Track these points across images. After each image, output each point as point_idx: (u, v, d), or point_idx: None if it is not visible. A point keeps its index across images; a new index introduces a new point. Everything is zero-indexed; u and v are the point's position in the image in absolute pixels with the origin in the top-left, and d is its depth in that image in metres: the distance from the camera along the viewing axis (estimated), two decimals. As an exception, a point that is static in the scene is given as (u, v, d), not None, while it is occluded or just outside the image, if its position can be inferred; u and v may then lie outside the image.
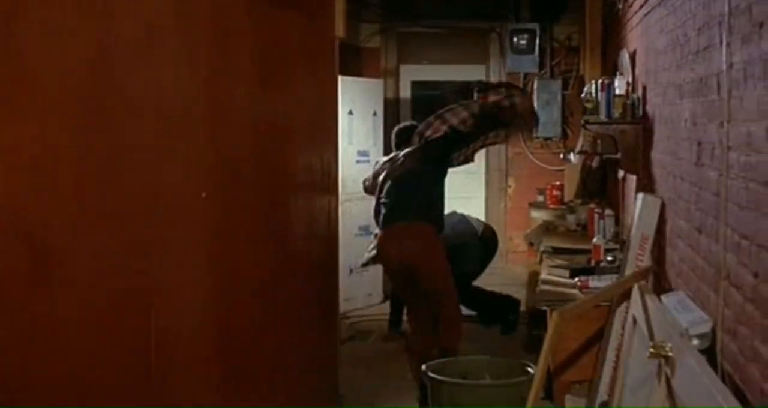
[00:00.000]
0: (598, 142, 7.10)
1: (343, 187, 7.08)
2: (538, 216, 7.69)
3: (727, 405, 2.35)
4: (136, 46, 2.71)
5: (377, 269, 7.84)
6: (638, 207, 4.28)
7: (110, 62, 2.54)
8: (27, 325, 2.17)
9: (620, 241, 5.47)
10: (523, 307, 7.07)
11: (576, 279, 4.77)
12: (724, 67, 2.96)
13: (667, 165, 4.20)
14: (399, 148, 5.94)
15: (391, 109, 9.12)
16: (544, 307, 4.64)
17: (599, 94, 5.42)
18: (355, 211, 7.68)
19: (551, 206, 7.87)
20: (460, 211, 7.09)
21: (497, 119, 5.71)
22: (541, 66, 9.01)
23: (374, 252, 5.80)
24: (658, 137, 4.53)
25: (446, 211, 5.84)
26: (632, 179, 5.66)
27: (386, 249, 5.49)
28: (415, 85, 9.64)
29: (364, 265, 6.30)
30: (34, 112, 2.19)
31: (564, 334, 4.07)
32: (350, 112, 7.76)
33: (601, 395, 3.85)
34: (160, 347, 2.79)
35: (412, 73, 9.61)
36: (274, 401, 3.92)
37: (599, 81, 5.52)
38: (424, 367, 4.86)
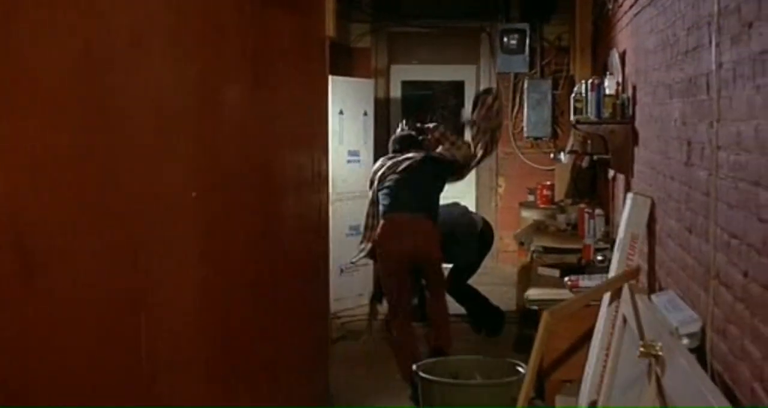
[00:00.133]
0: (588, 141, 7.12)
1: (334, 186, 7.08)
2: (529, 216, 7.70)
3: (717, 404, 2.36)
4: (127, 46, 2.70)
5: (368, 269, 7.85)
6: (628, 206, 4.29)
7: (99, 62, 2.53)
8: (17, 325, 2.16)
9: (610, 240, 5.48)
10: (513, 307, 7.09)
11: (566, 278, 4.77)
12: (714, 66, 2.97)
13: (657, 165, 4.21)
14: (398, 153, 6.16)
15: (382, 109, 9.12)
16: (535, 307, 4.65)
17: (589, 94, 5.43)
18: (346, 210, 7.68)
19: (541, 206, 7.88)
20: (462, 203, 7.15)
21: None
22: (532, 66, 9.02)
23: (368, 246, 5.91)
24: (648, 137, 4.54)
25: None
26: (622, 179, 5.68)
27: (389, 239, 5.67)
28: (406, 84, 9.64)
29: (356, 260, 6.37)
30: (25, 112, 2.19)
31: (554, 334, 4.08)
32: (341, 112, 7.76)
33: (591, 394, 3.86)
34: (151, 347, 2.79)
35: (402, 73, 9.61)
36: (265, 401, 3.92)
37: (589, 81, 5.53)
38: (415, 366, 4.86)
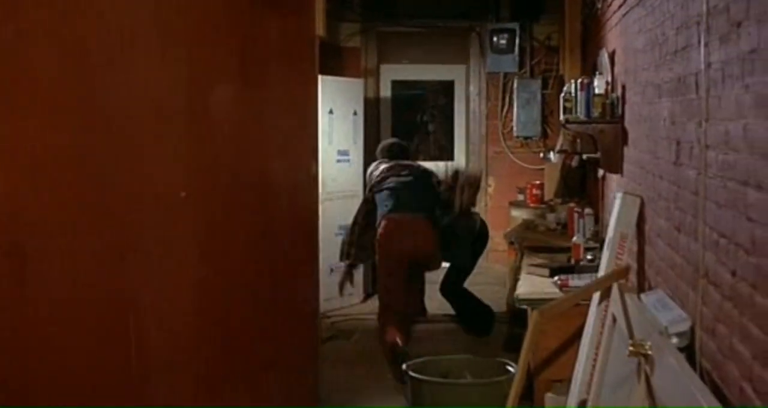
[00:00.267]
0: (578, 141, 7.12)
1: (323, 186, 7.07)
2: (519, 215, 7.71)
3: (706, 403, 2.36)
4: (115, 47, 2.69)
5: (358, 269, 7.84)
6: (617, 206, 4.30)
7: (92, 63, 2.53)
8: (6, 326, 2.15)
9: (600, 239, 5.48)
10: (503, 307, 7.09)
11: (556, 277, 4.78)
12: (703, 66, 2.97)
13: (646, 164, 4.21)
14: (390, 160, 6.43)
15: (372, 109, 9.11)
16: (524, 306, 4.65)
17: (579, 93, 5.44)
18: (335, 210, 7.67)
19: (531, 205, 7.88)
20: None
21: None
22: (521, 65, 9.03)
23: (352, 251, 6.21)
24: (637, 136, 4.55)
25: None
26: (612, 178, 5.69)
27: (390, 238, 5.91)
28: (396, 84, 9.64)
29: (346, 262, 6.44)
30: (21, 113, 2.18)
31: (544, 333, 4.09)
32: (330, 112, 7.75)
33: (580, 394, 3.87)
34: (140, 347, 2.78)
35: (392, 73, 9.61)
36: (255, 401, 3.91)
37: (579, 80, 5.54)
38: (405, 366, 4.86)
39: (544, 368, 4.35)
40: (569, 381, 4.06)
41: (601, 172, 6.32)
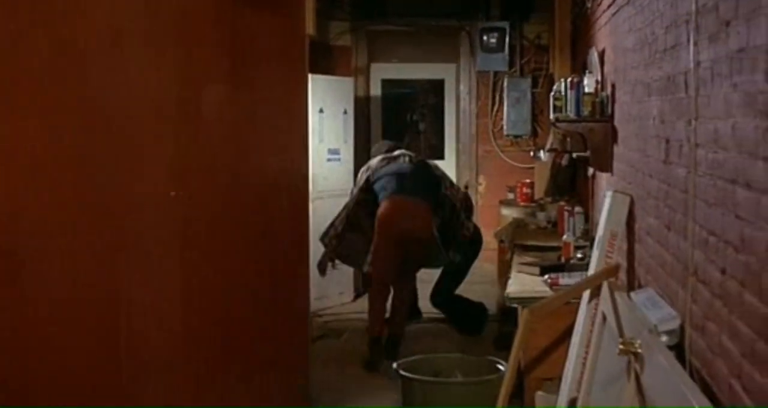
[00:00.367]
0: (568, 140, 7.13)
1: (314, 185, 7.07)
2: (509, 213, 7.71)
3: (696, 400, 2.37)
4: (103, 45, 2.69)
5: (348, 267, 7.84)
6: (607, 204, 4.31)
7: (79, 63, 2.52)
8: (1, 326, 2.15)
9: (590, 238, 5.50)
10: (494, 308, 7.09)
11: (546, 276, 4.78)
12: (692, 65, 2.98)
13: (636, 162, 4.22)
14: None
15: (362, 108, 9.11)
16: (515, 305, 4.66)
17: (568, 92, 5.44)
18: (326, 209, 7.65)
19: (522, 204, 7.89)
20: None
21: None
22: (511, 64, 9.04)
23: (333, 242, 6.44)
24: (627, 135, 4.56)
25: None
26: (602, 176, 5.70)
27: (389, 218, 6.15)
28: (386, 83, 9.64)
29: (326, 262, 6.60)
30: (9, 114, 2.17)
31: (534, 331, 4.09)
32: (321, 111, 7.75)
33: (571, 392, 3.87)
34: (130, 347, 2.78)
35: (382, 72, 9.61)
36: (245, 401, 3.91)
37: (568, 79, 5.55)
38: (395, 365, 4.87)
39: (534, 367, 4.36)
40: (559, 379, 4.07)
41: (591, 170, 6.33)
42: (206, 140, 3.58)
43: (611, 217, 4.24)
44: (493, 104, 9.18)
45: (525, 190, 7.92)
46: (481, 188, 9.30)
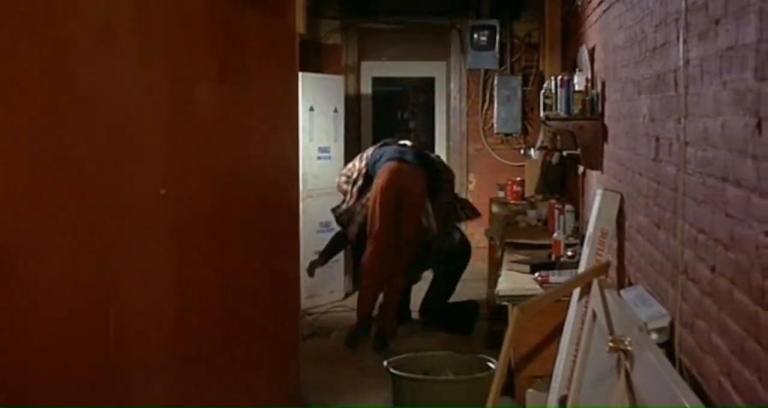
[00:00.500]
0: (558, 138, 7.14)
1: (304, 183, 7.06)
2: (499, 211, 7.72)
3: (685, 398, 2.38)
4: (92, 44, 2.68)
5: (339, 265, 7.84)
6: (597, 202, 4.32)
7: (65, 60, 2.51)
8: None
9: (580, 236, 5.51)
10: (484, 306, 7.10)
11: (536, 274, 4.79)
12: (681, 63, 2.99)
13: (626, 161, 4.23)
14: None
15: (352, 106, 9.11)
16: (505, 303, 4.66)
17: (559, 90, 5.45)
18: (316, 207, 7.66)
19: (512, 202, 7.89)
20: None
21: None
22: (501, 62, 9.04)
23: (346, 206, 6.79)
24: (617, 133, 4.57)
25: None
26: (592, 175, 5.71)
27: (388, 182, 6.50)
28: (376, 81, 9.63)
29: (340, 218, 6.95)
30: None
31: (525, 329, 4.09)
32: (311, 109, 7.74)
33: (561, 389, 3.88)
34: (121, 346, 2.77)
35: (372, 70, 9.60)
36: (235, 400, 3.91)
37: (559, 77, 5.55)
38: (385, 363, 4.87)
39: (524, 364, 4.37)
40: (550, 377, 4.07)
41: (581, 168, 6.34)
42: (197, 139, 3.57)
43: (601, 215, 4.25)
44: (484, 102, 9.18)
45: (515, 188, 7.92)
46: (471, 186, 9.30)
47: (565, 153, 7.04)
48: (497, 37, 8.89)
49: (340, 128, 8.19)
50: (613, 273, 4.33)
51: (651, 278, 3.55)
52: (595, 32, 5.54)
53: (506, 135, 9.10)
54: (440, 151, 9.61)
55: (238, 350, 3.99)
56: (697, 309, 2.77)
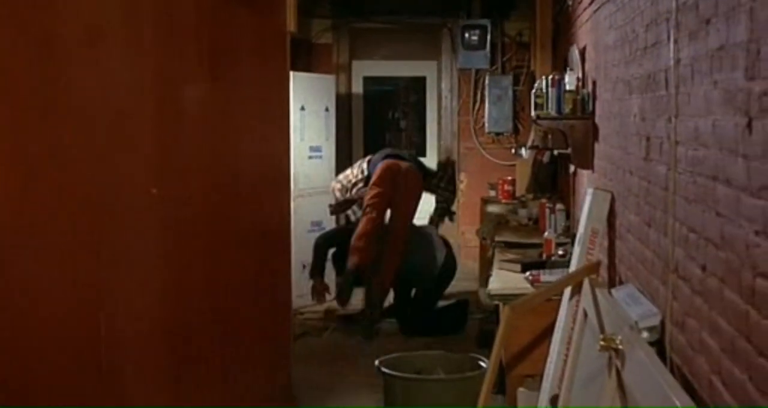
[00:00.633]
0: (549, 137, 7.16)
1: (295, 183, 7.06)
2: (490, 211, 7.73)
3: (676, 396, 2.38)
4: (81, 42, 2.67)
5: (329, 264, 7.83)
6: (588, 201, 4.32)
7: (54, 58, 2.50)
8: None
9: (571, 235, 5.51)
10: (475, 305, 7.10)
11: (527, 273, 4.79)
12: (672, 62, 2.99)
13: (617, 160, 4.24)
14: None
15: (344, 105, 9.10)
16: (496, 302, 4.67)
17: (550, 89, 5.45)
18: (308, 207, 7.66)
19: (503, 201, 7.90)
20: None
21: None
22: (493, 62, 9.05)
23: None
24: (608, 132, 4.58)
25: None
26: (583, 174, 5.72)
27: (385, 179, 6.90)
28: (367, 80, 9.63)
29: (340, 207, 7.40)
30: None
31: (516, 328, 4.10)
32: (302, 108, 7.74)
33: (552, 388, 3.88)
34: (110, 346, 2.76)
35: (364, 69, 9.60)
36: (227, 399, 3.90)
37: (550, 77, 5.56)
38: (377, 362, 4.86)
39: (516, 363, 4.37)
40: (541, 376, 4.08)
41: (572, 167, 6.35)
42: (188, 138, 3.56)
43: (592, 214, 4.26)
44: (475, 101, 9.19)
45: (506, 187, 7.93)
46: (462, 185, 9.31)
47: (556, 152, 7.05)
48: (488, 37, 8.90)
49: (331, 127, 8.19)
50: (604, 272, 4.34)
51: (642, 277, 3.56)
52: (585, 32, 5.55)
53: (497, 134, 9.10)
54: (431, 150, 9.62)
55: (230, 350, 3.99)
56: (688, 308, 2.77)
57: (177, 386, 3.38)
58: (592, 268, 4.07)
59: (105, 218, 2.78)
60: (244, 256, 4.27)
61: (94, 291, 2.70)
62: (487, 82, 8.95)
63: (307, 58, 8.86)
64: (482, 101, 9.11)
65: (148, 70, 3.15)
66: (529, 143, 7.90)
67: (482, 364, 4.74)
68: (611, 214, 4.27)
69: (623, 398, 2.81)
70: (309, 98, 7.85)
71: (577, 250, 4.26)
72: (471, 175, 9.27)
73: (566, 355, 3.85)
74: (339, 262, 7.14)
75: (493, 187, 8.33)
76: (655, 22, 3.36)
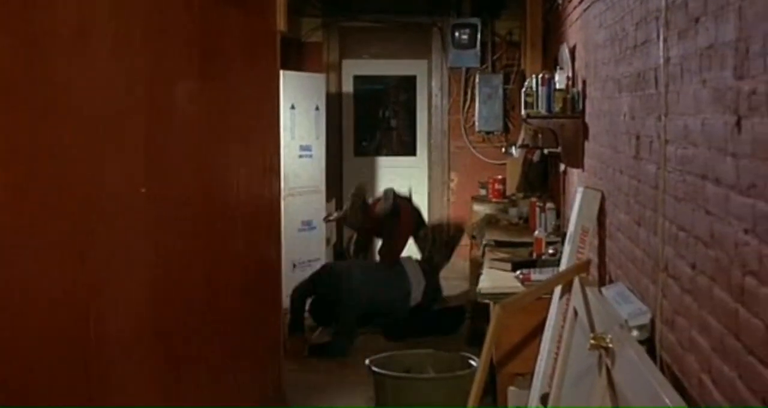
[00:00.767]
0: (539, 136, 7.16)
1: (286, 181, 7.04)
2: (481, 210, 7.74)
3: (666, 394, 2.38)
4: (70, 40, 2.66)
5: (321, 263, 7.83)
6: (578, 200, 4.33)
7: (42, 57, 2.49)
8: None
9: (561, 234, 5.52)
10: (466, 302, 7.10)
11: (518, 272, 4.80)
12: (662, 61, 3.00)
13: (607, 158, 4.24)
14: None
15: (334, 104, 9.10)
16: (487, 300, 4.67)
17: (540, 88, 5.46)
18: (298, 206, 7.65)
19: (493, 200, 7.91)
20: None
21: None
22: (483, 60, 9.06)
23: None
24: (598, 131, 4.58)
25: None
26: (573, 173, 5.72)
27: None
28: (358, 79, 9.63)
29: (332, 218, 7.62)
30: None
31: (507, 327, 4.10)
32: (292, 107, 7.73)
33: (543, 387, 3.89)
34: (99, 343, 2.75)
35: (354, 68, 9.60)
36: (217, 398, 3.89)
37: (540, 75, 5.56)
38: (367, 361, 4.86)
39: (506, 362, 4.38)
40: (532, 374, 4.08)
41: (562, 166, 6.36)
42: (177, 137, 3.55)
43: (582, 212, 4.26)
44: (465, 100, 9.20)
45: (497, 186, 7.94)
46: (453, 184, 9.32)
47: (546, 151, 7.06)
48: (478, 36, 8.91)
49: (321, 126, 8.18)
50: (594, 270, 4.35)
51: (632, 275, 3.57)
52: (575, 31, 5.55)
53: (487, 133, 9.11)
54: (421, 149, 9.63)
55: (220, 348, 3.98)
56: (678, 306, 2.78)
57: (167, 386, 3.37)
58: (582, 267, 4.07)
59: (94, 217, 2.77)
60: (235, 254, 4.27)
61: (83, 290, 2.69)
62: (477, 80, 8.96)
63: (297, 57, 8.85)
64: (472, 100, 9.12)
65: (137, 69, 3.14)
66: (520, 142, 7.91)
67: (472, 362, 4.75)
68: (601, 213, 4.27)
69: (613, 397, 2.82)
70: (299, 97, 7.84)
71: (567, 248, 4.27)
72: (461, 174, 9.27)
73: (556, 354, 3.85)
74: (317, 312, 6.81)
75: (483, 186, 8.34)
76: (644, 20, 3.36)
